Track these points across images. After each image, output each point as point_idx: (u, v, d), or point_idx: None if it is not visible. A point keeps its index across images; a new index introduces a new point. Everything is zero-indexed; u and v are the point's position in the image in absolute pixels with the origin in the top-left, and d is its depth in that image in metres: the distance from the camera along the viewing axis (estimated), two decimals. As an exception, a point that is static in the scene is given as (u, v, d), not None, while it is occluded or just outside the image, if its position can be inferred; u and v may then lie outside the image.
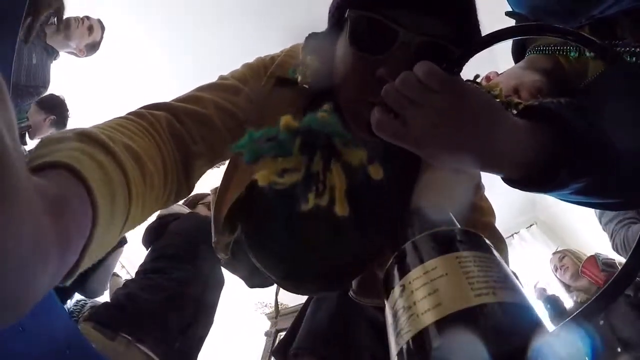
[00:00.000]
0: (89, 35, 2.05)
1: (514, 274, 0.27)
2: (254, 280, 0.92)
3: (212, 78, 0.63)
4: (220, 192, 0.63)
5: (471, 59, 0.46)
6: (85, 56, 2.12)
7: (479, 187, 0.69)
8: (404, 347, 0.23)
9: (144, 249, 1.66)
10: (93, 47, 2.12)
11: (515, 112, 0.51)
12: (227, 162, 0.65)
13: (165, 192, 0.46)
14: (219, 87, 0.60)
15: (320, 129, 0.30)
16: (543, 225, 3.30)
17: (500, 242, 0.62)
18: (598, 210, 1.74)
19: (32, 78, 1.82)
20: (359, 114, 0.50)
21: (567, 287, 2.15)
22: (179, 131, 0.51)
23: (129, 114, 0.48)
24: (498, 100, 0.54)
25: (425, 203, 0.46)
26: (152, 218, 1.63)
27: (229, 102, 0.58)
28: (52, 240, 0.22)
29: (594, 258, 1.95)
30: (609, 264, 1.86)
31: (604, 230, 1.78)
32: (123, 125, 0.43)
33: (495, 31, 0.44)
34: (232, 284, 1.25)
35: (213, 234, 0.70)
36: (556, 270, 2.24)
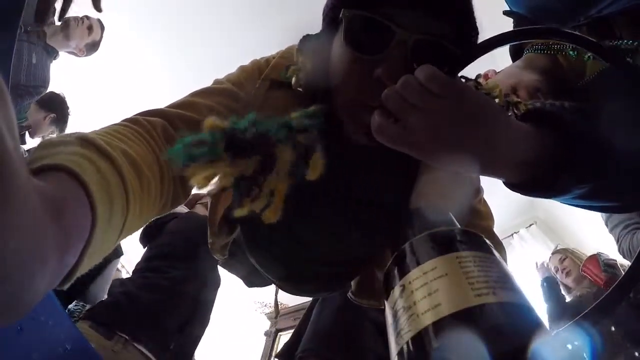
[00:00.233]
0: (88, 35, 2.05)
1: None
2: (253, 279, 0.92)
3: (209, 77, 0.62)
4: (215, 195, 0.63)
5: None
6: (85, 56, 2.12)
7: (478, 191, 0.69)
8: (404, 347, 0.23)
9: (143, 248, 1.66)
10: (93, 47, 2.12)
11: (515, 112, 0.51)
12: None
13: (162, 198, 0.46)
14: (213, 91, 0.59)
15: (247, 128, 0.28)
16: (543, 224, 3.30)
17: (499, 247, 0.62)
18: (604, 215, 1.74)
19: (32, 78, 1.82)
20: (357, 117, 0.50)
21: (568, 289, 2.14)
22: (173, 137, 0.50)
23: (125, 120, 0.48)
24: (498, 100, 0.54)
25: (425, 203, 0.46)
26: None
27: (224, 107, 0.57)
28: (51, 241, 0.22)
29: (596, 258, 1.93)
30: (610, 265, 1.86)
31: (610, 233, 1.78)
32: (120, 132, 0.43)
33: (500, 34, 0.44)
34: (232, 284, 1.25)
35: (209, 236, 0.70)
36: (557, 272, 2.23)
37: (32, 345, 0.40)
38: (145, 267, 1.50)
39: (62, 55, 2.04)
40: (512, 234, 3.36)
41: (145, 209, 0.41)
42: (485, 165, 0.42)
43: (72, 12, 2.00)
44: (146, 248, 1.61)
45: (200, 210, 1.84)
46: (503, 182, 0.46)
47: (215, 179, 0.28)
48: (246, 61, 0.66)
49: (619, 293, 0.36)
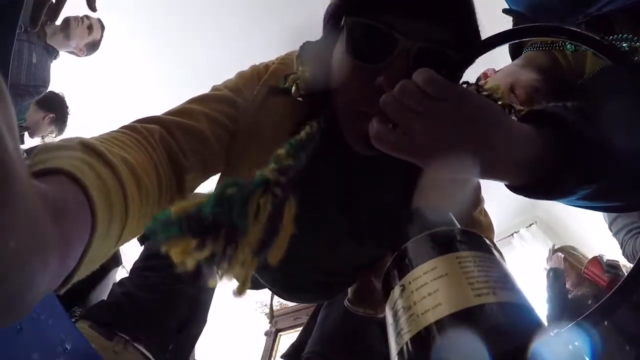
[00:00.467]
0: (89, 34, 2.05)
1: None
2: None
3: (206, 79, 0.62)
4: None
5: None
6: (86, 55, 2.12)
7: (479, 202, 0.69)
8: (404, 347, 0.23)
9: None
10: (93, 47, 2.12)
11: (516, 115, 0.50)
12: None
13: (159, 205, 0.46)
14: (211, 98, 0.59)
15: (213, 208, 0.28)
16: (543, 224, 3.30)
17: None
18: (608, 219, 1.74)
19: (33, 77, 1.82)
20: (356, 125, 0.49)
21: (568, 291, 2.13)
22: (170, 145, 0.50)
23: (123, 127, 0.48)
24: (500, 103, 0.53)
25: (425, 203, 0.45)
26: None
27: (222, 114, 0.57)
28: (52, 241, 0.22)
29: (597, 260, 1.92)
30: (613, 266, 1.84)
31: (614, 237, 1.78)
32: (119, 139, 0.43)
33: (494, 35, 0.44)
34: (232, 284, 1.25)
35: None
36: None
37: (32, 345, 0.40)
38: (143, 266, 1.50)
39: (61, 55, 2.04)
40: (512, 234, 3.36)
41: (143, 216, 0.41)
42: (487, 169, 0.41)
43: (72, 12, 2.01)
44: (143, 246, 1.61)
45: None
46: (505, 185, 0.45)
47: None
48: (244, 64, 0.66)
49: (621, 295, 0.36)
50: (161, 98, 2.68)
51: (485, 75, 1.21)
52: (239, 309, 3.27)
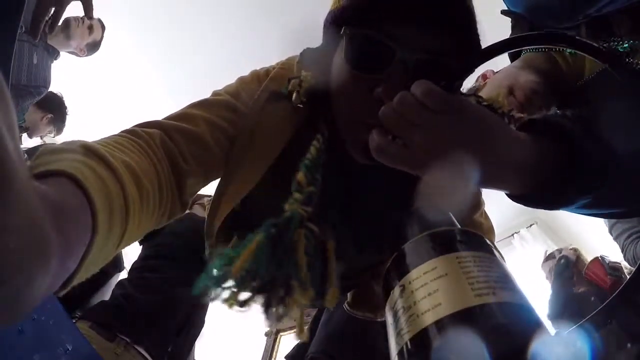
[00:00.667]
0: (89, 34, 2.05)
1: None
2: None
3: (205, 80, 0.62)
4: (213, 205, 0.62)
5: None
6: (86, 55, 2.12)
7: (479, 205, 0.68)
8: (404, 347, 0.23)
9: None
10: (94, 47, 2.12)
11: (515, 125, 0.50)
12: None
13: (159, 210, 0.46)
14: (211, 103, 0.59)
15: (267, 267, 0.29)
16: (543, 224, 3.30)
17: None
18: (608, 223, 1.73)
19: (33, 78, 1.82)
20: (356, 135, 0.49)
21: None
22: (171, 149, 0.50)
23: (124, 131, 0.48)
24: (501, 110, 0.53)
25: (425, 203, 0.45)
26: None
27: (222, 119, 0.57)
28: (52, 243, 0.22)
29: (599, 261, 1.90)
30: (615, 268, 1.82)
31: (615, 241, 1.77)
32: (120, 143, 0.43)
33: (494, 44, 0.43)
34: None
35: (207, 248, 0.69)
36: (550, 274, 2.21)
37: (33, 346, 0.40)
38: (143, 267, 1.50)
39: (61, 55, 2.04)
40: (512, 234, 3.36)
41: (143, 220, 0.41)
42: (486, 180, 0.41)
43: (72, 13, 2.01)
44: (142, 246, 1.61)
45: (198, 210, 1.84)
46: (506, 194, 0.45)
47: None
48: (244, 66, 0.66)
49: (623, 297, 0.36)
50: (161, 99, 2.69)
51: (484, 76, 1.21)
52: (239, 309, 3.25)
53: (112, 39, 2.28)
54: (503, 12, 0.82)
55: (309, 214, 0.36)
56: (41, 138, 2.24)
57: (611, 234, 1.77)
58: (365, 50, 0.47)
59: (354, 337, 0.86)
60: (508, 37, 0.53)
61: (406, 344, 0.23)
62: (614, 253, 1.84)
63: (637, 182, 0.44)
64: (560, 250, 2.30)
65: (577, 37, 0.40)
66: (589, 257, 2.06)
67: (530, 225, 3.33)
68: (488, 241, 0.28)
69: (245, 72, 0.66)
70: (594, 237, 2.49)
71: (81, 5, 1.00)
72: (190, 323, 1.45)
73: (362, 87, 0.47)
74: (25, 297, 0.20)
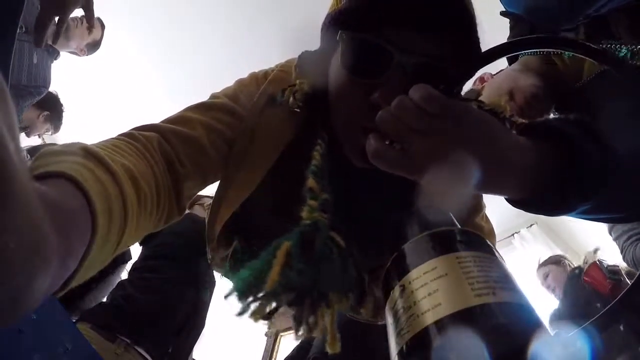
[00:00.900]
0: (88, 34, 2.05)
1: None
2: None
3: (204, 80, 0.62)
4: (213, 210, 0.61)
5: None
6: (87, 55, 2.12)
7: (480, 208, 0.68)
8: (404, 347, 0.23)
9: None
10: (94, 46, 2.11)
11: (516, 129, 0.50)
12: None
13: (157, 212, 0.46)
14: (209, 106, 0.58)
15: (303, 276, 0.29)
16: (543, 224, 3.30)
17: None
18: (608, 224, 1.73)
19: (33, 78, 1.81)
20: (353, 140, 0.48)
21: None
22: (168, 153, 0.50)
23: (122, 135, 0.48)
24: (502, 115, 0.52)
25: (425, 203, 0.45)
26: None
27: (220, 122, 0.56)
28: (52, 243, 0.22)
29: (597, 265, 1.89)
30: (614, 272, 1.81)
31: (614, 242, 1.77)
32: (118, 146, 0.43)
33: (494, 47, 0.42)
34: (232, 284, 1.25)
35: (208, 251, 0.69)
36: (543, 286, 2.22)
37: (33, 346, 0.40)
38: (143, 267, 1.50)
39: (61, 56, 2.04)
40: (512, 234, 3.36)
41: (141, 222, 0.41)
42: (486, 186, 0.40)
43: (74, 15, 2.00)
44: (143, 246, 1.61)
45: (198, 211, 1.84)
46: (506, 199, 0.45)
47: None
48: (242, 66, 0.66)
49: (629, 300, 0.36)
50: (160, 99, 2.68)
51: (482, 79, 1.21)
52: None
53: (112, 39, 2.28)
54: (502, 14, 0.81)
55: (330, 221, 0.35)
56: (39, 137, 2.24)
57: (611, 234, 1.77)
58: (362, 54, 0.46)
59: (355, 339, 0.85)
60: (507, 39, 0.53)
61: (406, 344, 0.23)
62: (614, 253, 1.83)
63: (638, 184, 0.43)
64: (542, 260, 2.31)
65: (577, 40, 0.40)
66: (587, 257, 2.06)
67: (531, 226, 3.33)
68: (488, 241, 0.28)
69: (245, 73, 0.66)
70: (594, 237, 2.49)
71: (82, 9, 1.00)
72: (190, 323, 1.45)
73: (359, 91, 0.46)
74: (25, 297, 0.20)
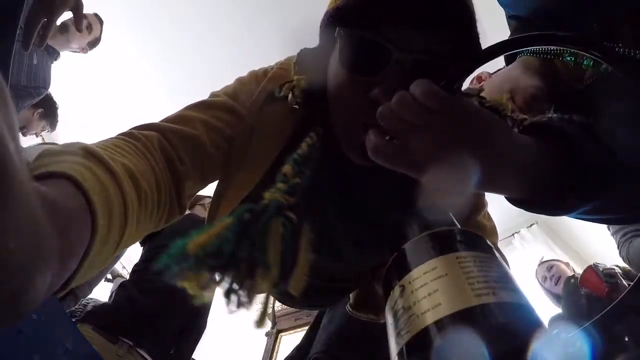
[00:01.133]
0: (89, 33, 2.05)
1: None
2: None
3: (204, 80, 0.62)
4: (212, 208, 0.61)
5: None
6: (87, 52, 2.13)
7: (483, 205, 0.68)
8: (404, 347, 0.23)
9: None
10: (95, 43, 2.12)
11: (520, 127, 0.49)
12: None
13: (158, 212, 0.46)
14: (209, 105, 0.58)
15: (232, 243, 0.28)
16: (544, 224, 3.29)
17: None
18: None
19: (33, 79, 1.82)
20: (352, 136, 0.48)
21: (557, 298, 2.11)
22: (169, 152, 0.50)
23: (122, 134, 0.48)
24: (504, 112, 0.52)
25: (425, 203, 0.45)
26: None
27: (220, 121, 0.56)
28: (53, 243, 0.22)
29: (592, 269, 1.88)
30: (611, 274, 1.80)
31: (612, 236, 1.78)
32: (118, 146, 0.43)
33: (497, 43, 0.42)
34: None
35: None
36: (544, 281, 2.20)
37: (33, 346, 0.40)
38: (145, 268, 1.50)
39: (61, 56, 2.04)
40: (512, 234, 3.35)
41: (142, 222, 0.41)
42: (486, 184, 0.40)
43: (68, 14, 2.01)
44: (144, 247, 1.61)
45: (199, 211, 1.84)
46: (505, 198, 0.44)
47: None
48: (241, 66, 0.66)
49: (629, 300, 0.36)
50: (160, 99, 2.68)
51: (479, 78, 1.20)
52: (239, 310, 3.25)
53: (112, 39, 2.29)
54: (510, 18, 0.80)
55: (290, 202, 0.35)
56: (37, 136, 2.24)
57: (609, 228, 1.77)
58: (360, 51, 0.46)
59: (356, 338, 0.85)
60: (509, 37, 0.53)
61: (406, 344, 0.23)
62: (614, 253, 1.83)
63: (638, 186, 0.43)
64: (544, 258, 2.31)
65: (577, 36, 0.40)
66: (587, 258, 2.06)
67: (531, 225, 3.33)
68: (488, 242, 0.28)
69: (245, 73, 0.66)
70: (594, 237, 2.49)
71: (71, 12, 1.00)
72: (192, 325, 1.45)
73: (357, 89, 0.46)
74: (26, 297, 0.20)
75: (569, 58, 0.69)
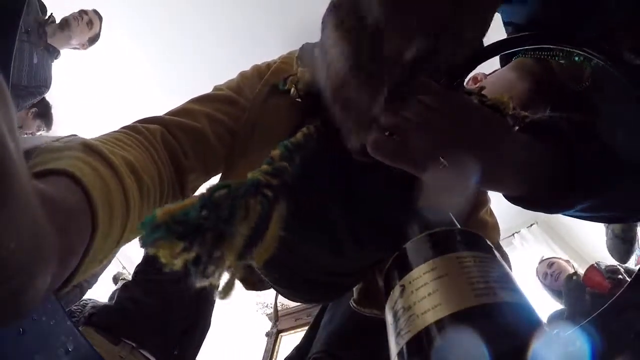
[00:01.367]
0: (89, 30, 2.06)
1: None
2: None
3: (203, 79, 0.62)
4: None
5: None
6: (87, 48, 2.13)
7: (485, 201, 0.68)
8: (404, 347, 0.23)
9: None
10: (94, 39, 2.13)
11: (518, 126, 0.49)
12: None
13: (161, 205, 0.46)
14: (212, 98, 0.59)
15: (198, 218, 0.28)
16: (544, 224, 3.29)
17: (504, 257, 0.62)
18: None
19: (34, 78, 1.82)
20: (352, 132, 0.48)
21: (559, 295, 2.11)
22: (172, 145, 0.50)
23: (124, 127, 0.48)
24: (505, 110, 0.52)
25: (425, 203, 0.45)
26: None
27: (223, 114, 0.57)
28: (53, 242, 0.22)
29: (595, 267, 1.89)
30: (613, 271, 1.82)
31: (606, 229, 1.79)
32: (120, 139, 0.43)
33: (497, 41, 0.43)
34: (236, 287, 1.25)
35: None
36: (545, 278, 2.21)
37: (33, 346, 0.40)
38: (146, 269, 1.50)
39: (61, 55, 2.05)
40: (513, 234, 3.35)
41: (144, 216, 0.40)
42: (485, 181, 0.40)
43: (69, 9, 2.01)
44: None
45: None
46: (504, 195, 0.45)
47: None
48: (241, 66, 0.66)
49: (628, 297, 0.36)
50: (159, 99, 2.68)
51: (475, 79, 1.19)
52: (240, 310, 3.27)
53: (112, 38, 2.29)
54: (506, 24, 0.80)
55: (269, 182, 0.35)
56: (33, 134, 2.25)
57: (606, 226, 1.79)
58: (361, 48, 0.46)
59: (356, 336, 0.85)
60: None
61: (406, 344, 0.23)
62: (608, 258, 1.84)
63: (637, 184, 0.43)
64: (545, 257, 2.32)
65: (577, 35, 0.40)
66: (587, 258, 2.07)
67: (531, 225, 3.32)
68: (488, 242, 0.28)
69: (246, 65, 0.66)
70: (593, 236, 2.48)
71: (78, 1, 0.99)
72: (195, 326, 1.45)
73: (359, 85, 0.46)
74: (26, 297, 0.20)
75: (562, 62, 0.69)
